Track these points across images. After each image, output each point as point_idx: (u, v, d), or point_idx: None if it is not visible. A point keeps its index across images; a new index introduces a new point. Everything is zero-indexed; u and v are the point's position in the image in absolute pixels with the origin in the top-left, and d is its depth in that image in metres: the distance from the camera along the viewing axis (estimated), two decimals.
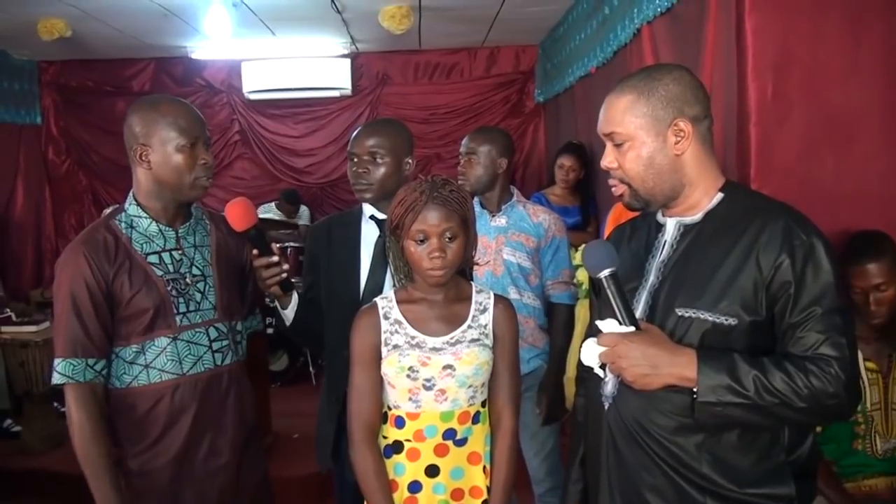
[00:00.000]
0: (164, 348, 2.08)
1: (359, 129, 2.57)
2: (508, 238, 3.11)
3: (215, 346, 2.17)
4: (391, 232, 2.01)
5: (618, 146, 1.72)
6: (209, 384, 2.15)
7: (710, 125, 1.73)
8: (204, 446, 2.14)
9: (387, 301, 2.04)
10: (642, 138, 1.68)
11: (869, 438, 2.53)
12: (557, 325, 3.19)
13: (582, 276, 4.05)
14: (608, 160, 1.75)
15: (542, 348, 3.18)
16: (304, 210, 7.34)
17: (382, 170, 2.46)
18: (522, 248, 3.10)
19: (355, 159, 2.49)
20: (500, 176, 3.17)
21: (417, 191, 1.93)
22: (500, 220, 3.14)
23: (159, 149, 2.08)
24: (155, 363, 2.08)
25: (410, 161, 2.53)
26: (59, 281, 2.07)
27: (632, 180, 1.73)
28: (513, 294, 3.02)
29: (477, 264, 2.16)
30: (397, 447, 2.00)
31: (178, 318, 2.11)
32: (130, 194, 2.18)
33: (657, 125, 1.67)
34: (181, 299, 2.12)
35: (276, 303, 2.30)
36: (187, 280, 2.14)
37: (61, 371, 2.02)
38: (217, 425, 2.16)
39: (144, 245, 2.11)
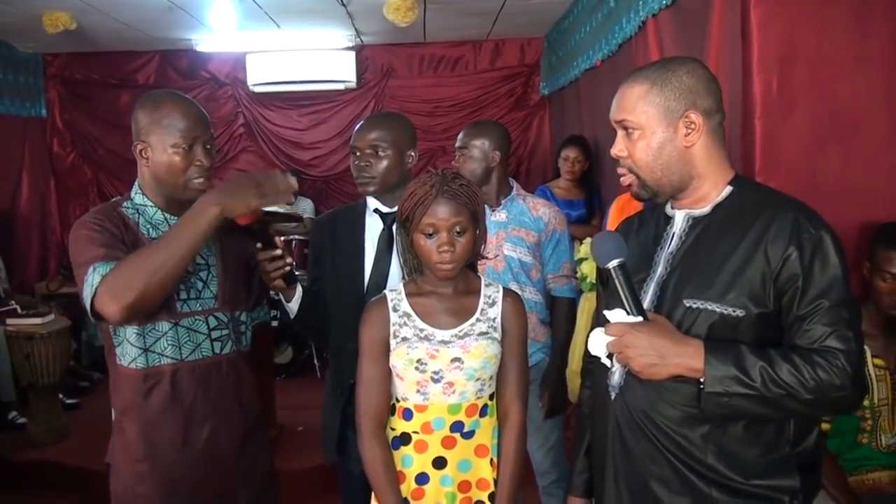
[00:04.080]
0: (166, 332, 2.09)
1: (361, 122, 2.58)
2: (509, 233, 3.10)
3: (214, 334, 2.18)
4: (401, 225, 2.02)
5: (628, 135, 1.73)
6: (207, 371, 2.16)
7: (721, 119, 1.73)
8: (203, 433, 2.15)
9: (396, 293, 2.05)
10: (653, 128, 1.69)
11: (874, 433, 2.54)
12: (559, 318, 3.19)
13: (587, 268, 4.05)
14: (618, 148, 1.76)
15: (545, 342, 3.19)
16: (308, 203, 7.35)
17: (385, 163, 2.47)
18: (523, 243, 3.10)
19: (358, 153, 2.50)
20: (495, 169, 3.16)
21: (427, 184, 1.94)
22: (500, 215, 3.14)
23: (157, 147, 2.10)
24: (155, 347, 2.09)
25: (413, 154, 2.54)
26: (76, 234, 2.04)
27: (640, 170, 1.73)
28: (514, 289, 3.02)
29: (486, 258, 2.16)
30: (405, 439, 2.01)
31: (178, 305, 2.12)
32: (136, 184, 2.20)
33: (669, 116, 1.68)
34: (181, 286, 2.12)
35: (281, 296, 2.31)
36: (189, 268, 2.15)
37: (101, 271, 1.92)
38: (216, 413, 2.17)
39: (151, 230, 2.13)
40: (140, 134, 2.11)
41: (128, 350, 2.09)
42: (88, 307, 1.96)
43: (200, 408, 2.14)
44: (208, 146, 2.15)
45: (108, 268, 1.93)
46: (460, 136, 3.22)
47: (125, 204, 2.16)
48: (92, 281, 1.93)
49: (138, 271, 1.90)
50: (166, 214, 2.16)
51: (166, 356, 2.10)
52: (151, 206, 2.15)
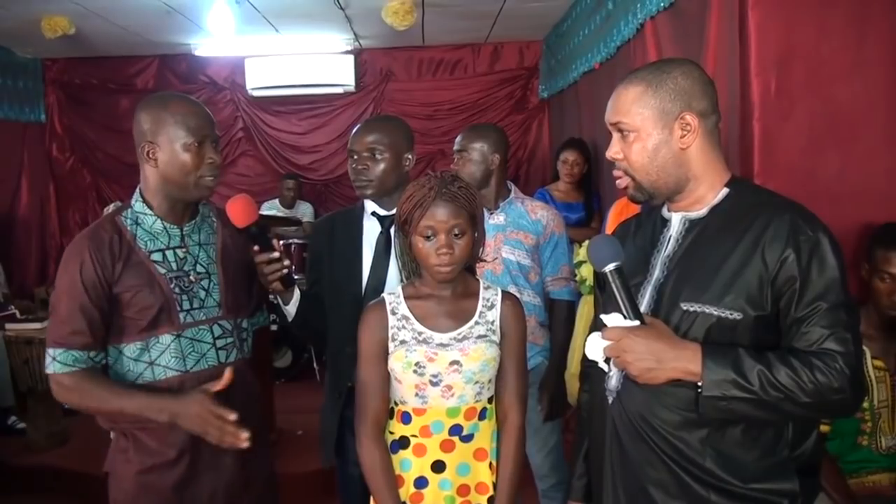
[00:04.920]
0: (168, 345, 2.08)
1: (358, 126, 2.57)
2: (507, 236, 3.10)
3: (219, 343, 2.17)
4: (399, 227, 2.01)
5: (624, 137, 1.73)
6: (213, 381, 2.15)
7: (717, 121, 1.73)
8: (210, 445, 2.14)
9: (394, 296, 2.05)
10: (648, 130, 1.69)
11: (874, 435, 2.54)
12: (558, 321, 3.19)
13: (586, 272, 4.04)
14: (613, 151, 1.75)
15: (543, 345, 3.18)
16: (307, 207, 7.35)
17: (382, 166, 2.46)
18: (521, 246, 3.10)
19: (355, 156, 2.50)
20: (494, 172, 3.16)
21: (426, 186, 1.94)
22: (498, 218, 3.13)
23: (167, 147, 2.08)
24: (159, 360, 2.08)
25: (410, 157, 2.54)
26: (61, 273, 2.06)
27: (636, 172, 1.73)
28: (513, 292, 3.02)
29: (484, 261, 2.16)
30: (404, 443, 2.01)
31: (181, 316, 2.11)
32: (137, 191, 2.18)
33: (664, 118, 1.68)
34: (185, 297, 2.12)
35: (278, 299, 2.31)
36: (191, 278, 2.14)
37: (61, 360, 2.02)
38: None
39: (149, 242, 2.11)
40: (146, 135, 2.09)
41: (129, 366, 2.07)
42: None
43: None
44: (214, 144, 2.15)
45: (63, 368, 2.03)
46: (459, 138, 3.22)
47: (124, 213, 2.15)
48: (48, 366, 2.05)
49: (81, 404, 2.09)
50: (165, 224, 2.15)
51: (171, 369, 2.09)
52: (151, 215, 2.13)
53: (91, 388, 2.03)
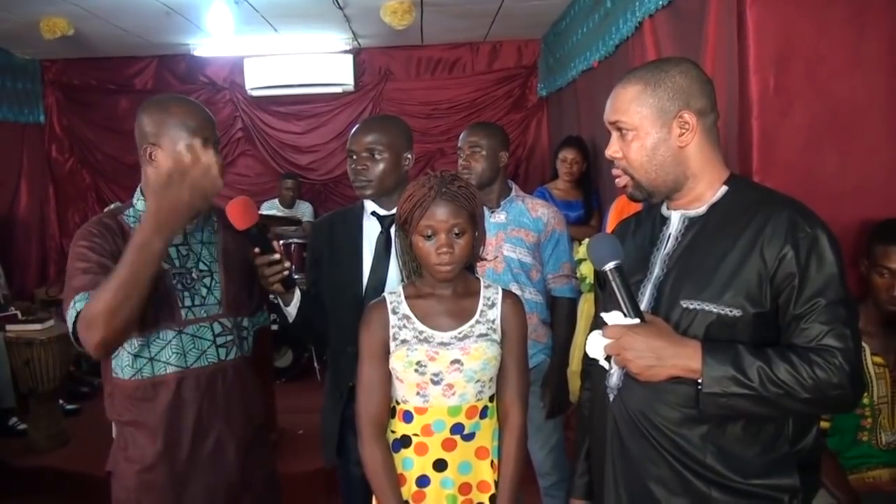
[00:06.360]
0: (170, 341, 2.09)
1: (357, 126, 2.57)
2: (508, 234, 3.11)
3: (219, 340, 2.17)
4: (399, 227, 2.02)
5: (622, 136, 1.73)
6: (213, 378, 2.15)
7: (715, 119, 1.74)
8: (210, 440, 2.14)
9: (395, 296, 2.05)
10: (647, 129, 1.69)
11: (874, 431, 2.54)
12: (559, 318, 3.20)
13: (586, 269, 4.05)
14: (612, 149, 1.76)
15: (546, 343, 3.19)
16: (307, 206, 7.36)
17: (381, 166, 2.46)
18: (522, 244, 3.10)
19: (354, 156, 2.50)
20: (502, 170, 3.17)
21: (426, 186, 1.94)
22: (500, 216, 3.14)
23: (168, 148, 2.08)
24: (160, 356, 2.08)
25: (410, 156, 2.54)
26: (72, 255, 2.04)
27: (635, 171, 1.73)
28: (514, 290, 3.02)
29: (485, 260, 2.16)
30: (405, 441, 2.01)
31: (183, 312, 2.11)
32: (139, 190, 2.18)
33: (662, 116, 1.68)
34: (186, 294, 2.12)
35: (279, 300, 2.31)
36: (193, 275, 2.14)
37: (78, 302, 1.93)
38: (223, 419, 2.16)
39: None
40: (148, 137, 2.09)
41: (129, 361, 2.07)
42: (73, 338, 1.97)
43: (207, 416, 2.13)
44: (215, 146, 2.14)
45: (83, 303, 1.92)
46: (465, 135, 3.21)
47: (127, 212, 2.15)
48: (71, 314, 1.94)
49: (100, 312, 1.86)
50: None
51: (171, 364, 2.09)
52: None
53: (98, 296, 1.88)
